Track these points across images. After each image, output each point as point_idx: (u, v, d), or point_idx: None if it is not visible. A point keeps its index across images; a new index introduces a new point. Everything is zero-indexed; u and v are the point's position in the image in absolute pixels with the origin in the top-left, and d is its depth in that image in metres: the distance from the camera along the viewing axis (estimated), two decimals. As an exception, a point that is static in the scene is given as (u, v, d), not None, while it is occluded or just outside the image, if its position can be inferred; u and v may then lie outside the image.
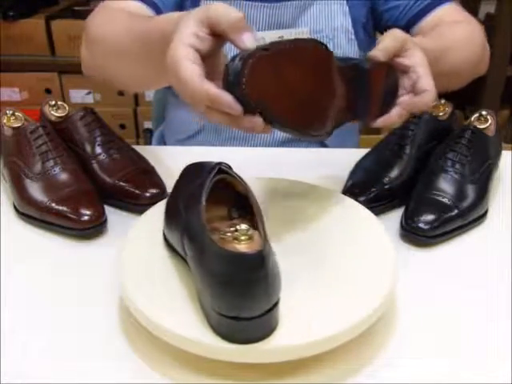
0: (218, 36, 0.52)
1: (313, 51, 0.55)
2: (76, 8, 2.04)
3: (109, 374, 0.51)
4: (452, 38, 0.84)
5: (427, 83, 0.63)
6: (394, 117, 0.65)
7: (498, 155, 0.80)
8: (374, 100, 0.63)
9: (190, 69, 0.49)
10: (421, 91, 0.64)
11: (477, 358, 0.53)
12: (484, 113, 0.82)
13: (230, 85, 0.48)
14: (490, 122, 0.81)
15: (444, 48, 0.79)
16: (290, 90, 0.52)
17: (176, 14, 0.58)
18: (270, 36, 0.91)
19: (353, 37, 0.95)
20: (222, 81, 0.49)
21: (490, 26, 1.98)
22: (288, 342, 0.47)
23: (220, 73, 0.50)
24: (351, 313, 0.50)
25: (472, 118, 0.83)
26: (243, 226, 0.47)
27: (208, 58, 0.52)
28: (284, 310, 0.50)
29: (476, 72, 0.90)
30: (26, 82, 2.09)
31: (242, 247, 0.46)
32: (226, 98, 0.48)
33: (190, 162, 0.62)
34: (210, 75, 0.51)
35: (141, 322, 0.51)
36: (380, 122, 0.64)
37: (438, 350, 0.54)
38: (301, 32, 0.92)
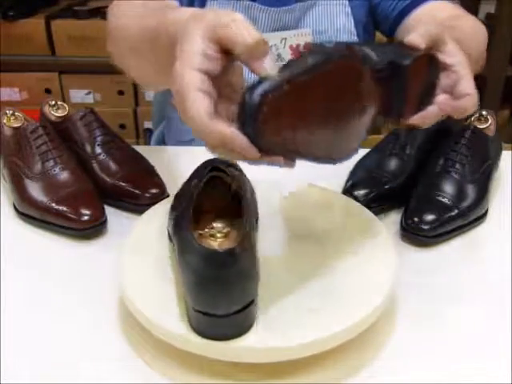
0: (230, 52, 0.45)
1: (340, 70, 0.47)
2: (76, 8, 2.04)
3: (109, 373, 0.51)
4: (461, 31, 0.78)
5: (469, 87, 0.56)
6: (431, 115, 0.58)
7: (498, 155, 0.80)
8: (411, 98, 0.56)
9: (198, 103, 0.42)
10: (462, 95, 0.56)
11: (477, 358, 0.53)
12: (484, 113, 0.82)
13: (246, 123, 0.42)
14: (490, 122, 0.81)
15: (460, 38, 0.69)
16: (315, 121, 0.46)
17: (185, 16, 0.50)
18: (273, 37, 0.91)
19: (355, 38, 0.95)
20: (237, 108, 0.42)
21: (489, 25, 1.98)
22: (288, 342, 0.47)
23: (234, 89, 0.45)
24: (351, 312, 0.50)
25: (472, 118, 0.83)
26: (219, 224, 0.48)
27: (220, 76, 0.45)
28: (283, 310, 0.50)
29: (476, 68, 0.89)
30: (26, 82, 2.09)
31: (215, 244, 0.47)
32: (241, 140, 0.42)
33: (190, 162, 0.62)
34: (223, 92, 0.46)
35: (140, 322, 0.51)
36: (415, 119, 0.57)
37: (438, 349, 0.54)
38: (303, 33, 0.92)
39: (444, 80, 0.57)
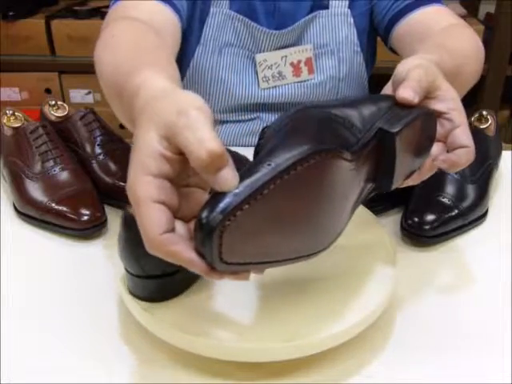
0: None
1: (313, 169, 0.40)
2: (76, 8, 2.03)
3: (109, 373, 0.51)
4: (462, 51, 0.73)
5: (467, 139, 0.52)
6: (425, 173, 0.53)
7: (498, 155, 0.80)
8: (404, 163, 0.50)
9: (153, 218, 0.37)
10: (458, 147, 0.52)
11: (477, 358, 0.53)
12: (484, 113, 0.82)
13: (204, 247, 0.37)
14: (490, 122, 0.81)
15: (459, 64, 0.69)
16: (286, 228, 0.40)
17: (146, 96, 0.45)
18: (274, 56, 0.90)
19: (358, 49, 0.92)
20: (194, 227, 0.37)
21: (489, 26, 1.98)
22: (287, 342, 0.47)
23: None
24: (351, 312, 0.50)
25: (472, 118, 0.83)
26: None
27: (183, 168, 0.40)
28: (283, 309, 0.50)
29: (475, 81, 0.83)
30: (26, 82, 2.08)
31: None
32: (200, 267, 0.38)
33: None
34: (191, 182, 0.42)
35: (140, 322, 0.51)
36: (409, 182, 0.53)
37: (438, 349, 0.54)
38: (304, 49, 0.90)
39: (437, 128, 0.53)
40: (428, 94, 0.52)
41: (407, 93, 0.49)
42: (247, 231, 0.37)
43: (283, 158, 0.38)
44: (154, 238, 0.37)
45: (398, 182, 0.50)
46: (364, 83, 0.98)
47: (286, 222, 0.40)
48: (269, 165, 0.37)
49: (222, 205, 0.36)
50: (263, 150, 0.40)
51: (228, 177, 0.37)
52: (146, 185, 0.38)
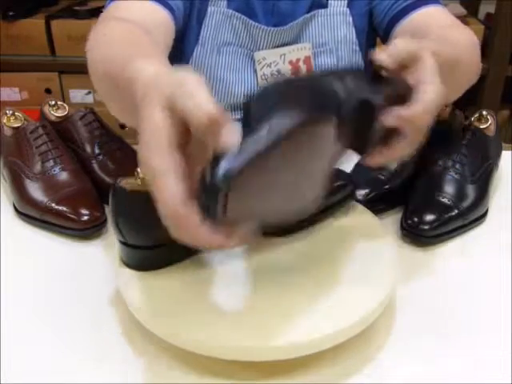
0: None
1: (307, 133, 0.43)
2: (76, 8, 2.03)
3: (109, 373, 0.51)
4: (460, 46, 0.73)
5: (428, 75, 0.51)
6: (397, 150, 0.52)
7: (498, 155, 0.80)
8: (380, 131, 0.51)
9: (171, 190, 0.39)
10: (419, 89, 0.50)
11: (477, 358, 0.53)
12: (484, 113, 0.82)
13: (209, 205, 0.39)
14: (490, 122, 0.81)
15: (458, 54, 0.68)
16: (281, 188, 0.44)
17: (146, 79, 0.46)
18: (272, 54, 0.90)
19: (357, 48, 0.92)
20: (198, 186, 0.39)
21: (489, 26, 1.98)
22: (287, 341, 0.47)
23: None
24: (351, 312, 0.50)
25: (472, 118, 0.82)
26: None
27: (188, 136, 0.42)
28: (283, 309, 0.50)
29: (471, 82, 0.81)
30: (26, 82, 2.08)
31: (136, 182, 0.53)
32: (216, 240, 0.40)
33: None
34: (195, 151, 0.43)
35: (141, 322, 0.51)
36: (380, 159, 0.53)
37: (438, 349, 0.54)
38: (303, 47, 0.90)
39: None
40: (408, 63, 0.52)
41: (382, 56, 0.51)
42: (247, 191, 0.40)
43: (282, 124, 0.41)
44: (175, 209, 0.39)
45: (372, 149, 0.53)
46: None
47: (280, 181, 0.43)
48: (269, 130, 0.40)
49: (224, 165, 0.38)
50: (259, 116, 0.43)
51: (228, 137, 0.39)
52: (160, 157, 0.40)
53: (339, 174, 0.63)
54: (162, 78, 0.43)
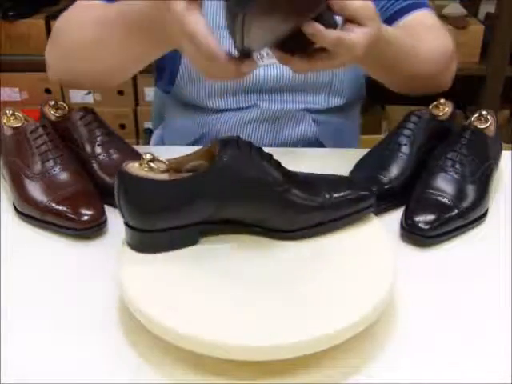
0: None
1: None
2: (76, 8, 2.03)
3: (109, 373, 0.51)
4: (426, 46, 0.82)
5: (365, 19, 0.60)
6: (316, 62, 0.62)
7: (498, 155, 0.80)
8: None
9: (213, 44, 0.55)
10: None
11: (477, 358, 0.53)
12: (484, 113, 0.82)
13: (229, 28, 0.53)
14: (490, 121, 0.81)
15: (415, 52, 0.79)
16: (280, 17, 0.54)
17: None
18: None
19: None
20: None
21: (489, 25, 1.98)
22: (287, 340, 0.47)
23: None
24: (351, 311, 0.50)
25: (472, 118, 0.82)
26: (148, 156, 0.57)
27: None
28: (283, 308, 0.50)
29: (436, 84, 0.88)
30: (26, 82, 2.08)
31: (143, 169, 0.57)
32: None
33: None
34: None
35: (141, 322, 0.51)
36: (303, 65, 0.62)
37: (438, 349, 0.54)
38: None
39: None
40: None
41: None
42: (262, 18, 0.51)
43: None
44: (224, 59, 0.56)
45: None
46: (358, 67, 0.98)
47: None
48: None
49: None
50: None
51: None
52: (193, 19, 0.54)
53: (361, 184, 0.65)
54: None
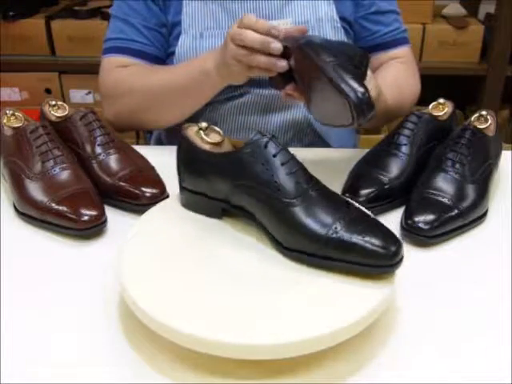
0: None
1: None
2: (76, 8, 2.03)
3: (109, 373, 0.51)
4: (406, 95, 0.95)
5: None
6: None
7: (498, 155, 0.80)
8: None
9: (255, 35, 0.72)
10: None
11: (477, 358, 0.53)
12: (484, 113, 0.82)
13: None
14: (489, 122, 0.81)
15: (399, 104, 0.91)
16: None
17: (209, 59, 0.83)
18: None
19: (338, 25, 0.95)
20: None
21: (490, 25, 1.98)
22: (287, 340, 0.47)
23: None
24: (351, 311, 0.50)
25: (472, 118, 0.82)
26: (203, 124, 0.64)
27: None
28: (283, 308, 0.50)
29: (401, 113, 0.94)
30: (26, 82, 2.08)
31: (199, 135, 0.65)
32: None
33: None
34: None
35: (141, 321, 0.51)
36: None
37: (438, 349, 0.54)
38: (284, 22, 0.92)
39: None
40: None
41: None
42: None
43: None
44: (264, 39, 0.72)
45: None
46: None
47: None
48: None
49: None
50: None
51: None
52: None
53: (390, 234, 0.56)
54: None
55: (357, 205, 0.60)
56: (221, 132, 0.65)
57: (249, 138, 0.59)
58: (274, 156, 0.57)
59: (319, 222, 0.55)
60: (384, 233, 0.55)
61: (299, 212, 0.56)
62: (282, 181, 0.57)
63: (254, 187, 0.58)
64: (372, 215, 0.59)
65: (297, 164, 0.58)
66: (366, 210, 0.60)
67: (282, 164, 0.57)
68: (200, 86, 0.86)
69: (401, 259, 0.54)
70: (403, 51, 1.00)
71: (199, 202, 0.64)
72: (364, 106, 0.61)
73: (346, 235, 0.54)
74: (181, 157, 0.65)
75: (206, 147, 0.63)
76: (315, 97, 0.69)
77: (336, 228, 0.54)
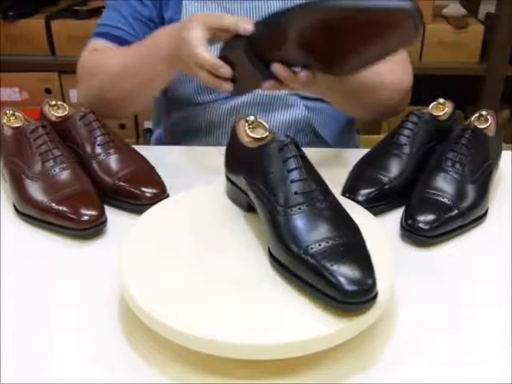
0: None
1: None
2: (76, 8, 2.03)
3: (109, 373, 0.51)
4: (383, 79, 0.86)
5: None
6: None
7: (498, 155, 0.80)
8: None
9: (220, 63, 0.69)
10: None
11: (477, 358, 0.53)
12: (484, 113, 0.82)
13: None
14: (489, 122, 0.81)
15: (372, 83, 0.83)
16: None
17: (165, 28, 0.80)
18: None
19: None
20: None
21: (490, 25, 1.98)
22: (287, 340, 0.47)
23: None
24: (351, 312, 0.50)
25: (472, 118, 0.82)
26: (251, 118, 0.65)
27: None
28: (284, 308, 0.50)
29: (390, 112, 0.92)
30: (26, 82, 2.09)
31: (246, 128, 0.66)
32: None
33: (190, 162, 0.62)
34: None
35: (141, 321, 0.51)
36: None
37: (438, 349, 0.54)
38: None
39: None
40: None
41: None
42: None
43: None
44: (215, 63, 0.70)
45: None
46: None
47: None
48: None
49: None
50: None
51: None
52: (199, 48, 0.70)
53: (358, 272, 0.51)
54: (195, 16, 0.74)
55: (362, 234, 0.55)
56: (267, 127, 0.65)
57: (274, 137, 0.59)
58: (284, 161, 0.56)
59: (298, 237, 0.52)
60: (362, 269, 0.49)
61: (286, 222, 0.54)
62: (282, 187, 0.56)
63: (260, 188, 0.58)
64: (368, 250, 0.53)
65: (305, 174, 0.56)
66: (364, 241, 0.54)
67: (289, 171, 0.56)
68: (153, 67, 0.82)
69: (364, 301, 0.49)
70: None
71: (234, 192, 0.66)
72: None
73: (314, 259, 0.50)
74: (227, 147, 0.68)
75: (246, 140, 0.64)
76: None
77: (311, 249, 0.51)
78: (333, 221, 0.54)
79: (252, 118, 0.65)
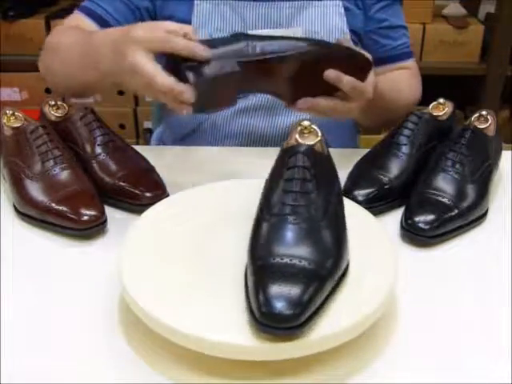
0: None
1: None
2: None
3: (109, 373, 0.51)
4: (401, 97, 0.95)
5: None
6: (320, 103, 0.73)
7: (498, 155, 0.80)
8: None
9: (169, 80, 0.63)
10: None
11: (477, 358, 0.53)
12: (484, 113, 0.82)
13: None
14: (489, 121, 0.81)
15: (394, 100, 0.91)
16: None
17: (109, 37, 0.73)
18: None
19: (347, 37, 0.94)
20: None
21: (490, 26, 1.98)
22: (288, 340, 0.47)
23: None
24: (351, 312, 0.50)
25: (472, 118, 0.82)
26: (305, 123, 0.60)
27: None
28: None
29: (398, 112, 0.93)
30: (26, 82, 2.08)
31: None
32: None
33: (190, 162, 0.62)
34: None
35: (142, 321, 0.51)
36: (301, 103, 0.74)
37: (438, 349, 0.54)
38: (295, 31, 0.92)
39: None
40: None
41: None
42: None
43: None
44: (170, 85, 0.64)
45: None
46: None
47: None
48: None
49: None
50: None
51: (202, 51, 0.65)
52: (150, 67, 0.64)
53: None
54: (135, 29, 0.68)
55: (346, 262, 0.54)
56: (319, 133, 0.60)
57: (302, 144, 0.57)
58: (288, 169, 0.56)
59: (265, 246, 0.52)
60: (293, 299, 0.47)
61: (264, 228, 0.54)
62: (275, 194, 0.55)
63: (264, 191, 0.58)
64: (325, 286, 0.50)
65: (303, 187, 0.54)
66: (331, 274, 0.51)
67: (287, 180, 0.55)
68: (87, 72, 0.79)
69: (275, 327, 0.46)
70: (409, 64, 1.01)
71: None
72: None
73: (264, 272, 0.50)
74: None
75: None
76: None
77: (268, 260, 0.51)
78: (310, 241, 0.52)
79: (306, 122, 0.60)
